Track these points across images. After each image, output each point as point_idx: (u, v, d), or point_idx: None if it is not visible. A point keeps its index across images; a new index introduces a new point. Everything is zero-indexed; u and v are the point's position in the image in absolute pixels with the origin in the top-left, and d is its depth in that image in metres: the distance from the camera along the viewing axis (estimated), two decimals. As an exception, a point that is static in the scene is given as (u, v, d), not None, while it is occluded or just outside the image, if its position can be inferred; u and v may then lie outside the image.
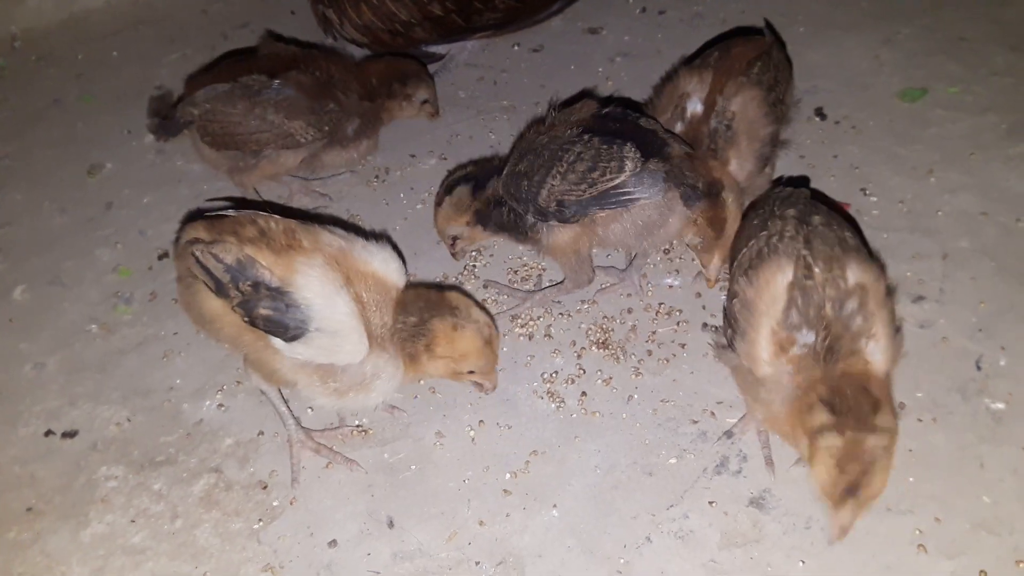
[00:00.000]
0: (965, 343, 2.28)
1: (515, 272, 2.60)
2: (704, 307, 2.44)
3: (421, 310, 2.02)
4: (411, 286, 2.10)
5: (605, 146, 2.15)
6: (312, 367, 1.97)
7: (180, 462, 2.20)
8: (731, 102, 2.29)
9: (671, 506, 2.03)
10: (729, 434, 2.14)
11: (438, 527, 2.03)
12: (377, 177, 2.94)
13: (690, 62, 2.54)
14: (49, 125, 3.28)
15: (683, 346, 2.35)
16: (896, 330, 1.86)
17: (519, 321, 2.45)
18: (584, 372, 2.32)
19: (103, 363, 2.44)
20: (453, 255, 2.53)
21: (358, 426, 2.24)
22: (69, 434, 2.27)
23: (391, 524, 2.04)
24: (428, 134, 3.06)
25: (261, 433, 2.24)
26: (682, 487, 2.06)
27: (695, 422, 2.19)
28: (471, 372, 2.08)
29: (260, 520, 2.07)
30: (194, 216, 2.14)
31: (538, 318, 2.46)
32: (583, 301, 2.48)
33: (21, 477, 2.19)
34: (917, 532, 1.93)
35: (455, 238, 2.46)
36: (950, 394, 2.18)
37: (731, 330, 1.97)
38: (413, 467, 2.15)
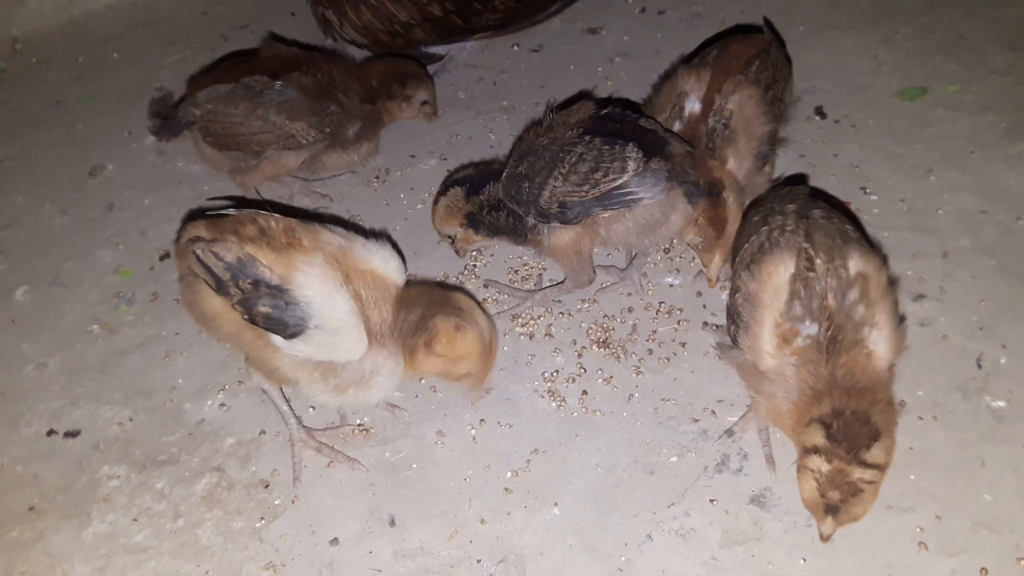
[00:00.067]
0: (966, 341, 2.29)
1: (515, 271, 2.60)
2: (705, 306, 2.45)
3: (425, 306, 2.02)
4: (417, 283, 2.11)
5: (607, 147, 2.15)
6: (312, 364, 1.97)
7: (182, 461, 2.20)
8: (728, 100, 2.29)
9: (672, 504, 2.03)
10: (730, 432, 2.15)
11: (439, 525, 2.03)
12: (377, 178, 2.94)
13: (689, 61, 2.55)
14: (50, 127, 3.28)
15: (684, 345, 2.36)
16: (900, 320, 1.87)
17: (520, 320, 2.45)
18: (585, 371, 2.32)
19: (105, 363, 2.45)
20: (456, 252, 2.53)
21: (359, 425, 2.24)
22: (71, 434, 2.28)
23: (393, 522, 2.04)
24: (428, 134, 3.06)
25: (263, 432, 2.25)
26: (683, 485, 2.07)
27: (696, 420, 2.19)
28: (465, 375, 2.08)
29: (262, 519, 2.07)
30: (195, 215, 2.15)
31: (539, 317, 2.46)
32: (584, 300, 2.49)
33: (24, 477, 2.19)
34: (918, 530, 1.93)
35: (452, 238, 2.47)
36: (951, 392, 2.18)
37: (734, 325, 1.98)
38: (414, 466, 2.15)
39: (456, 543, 2.00)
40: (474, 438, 2.20)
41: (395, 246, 2.13)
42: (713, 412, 2.20)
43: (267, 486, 2.14)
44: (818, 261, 1.85)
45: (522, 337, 2.42)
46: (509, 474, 2.12)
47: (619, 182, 2.14)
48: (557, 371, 2.32)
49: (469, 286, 2.56)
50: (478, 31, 3.28)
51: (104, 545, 2.05)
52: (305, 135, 2.63)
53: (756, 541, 1.96)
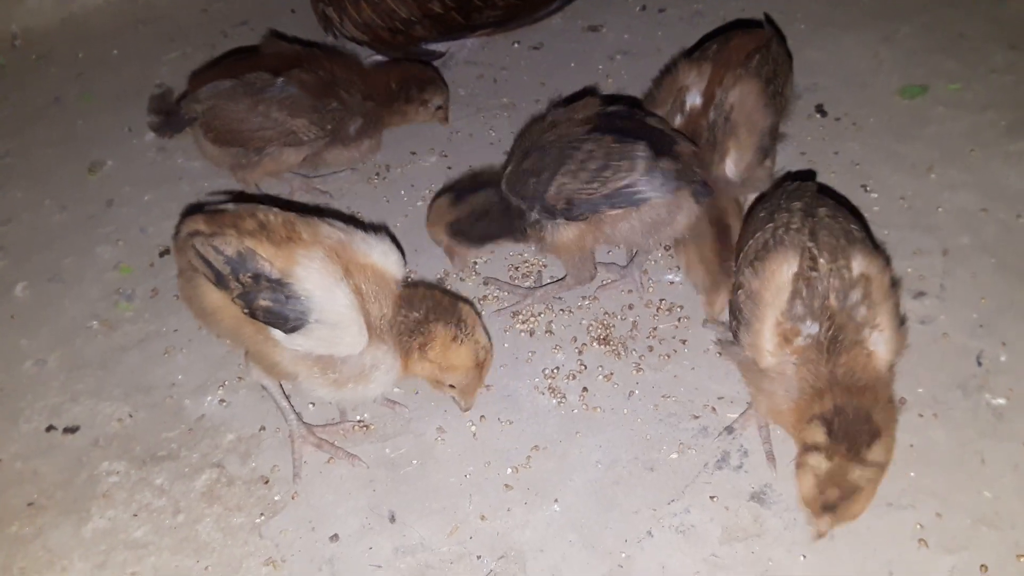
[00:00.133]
0: (966, 339, 2.29)
1: (516, 268, 2.60)
2: (705, 303, 2.45)
3: (428, 309, 2.02)
4: (425, 285, 2.11)
5: (617, 144, 2.14)
6: (312, 358, 1.97)
7: (182, 457, 2.20)
8: (729, 94, 2.29)
9: (672, 501, 2.03)
10: (730, 429, 2.15)
11: (440, 522, 2.03)
12: (378, 174, 2.94)
13: (689, 55, 2.55)
14: (49, 123, 3.28)
15: (684, 342, 2.36)
16: (901, 322, 1.87)
17: (520, 317, 2.45)
18: (585, 368, 2.32)
19: (104, 359, 2.45)
20: (452, 264, 2.53)
21: (359, 421, 2.24)
22: (71, 430, 2.28)
23: (393, 519, 2.04)
24: (428, 132, 3.06)
25: (263, 428, 2.24)
26: (683, 482, 2.07)
27: (696, 417, 2.19)
28: (452, 386, 2.08)
29: (262, 515, 2.07)
30: (194, 209, 2.14)
31: (539, 314, 2.46)
32: (584, 297, 2.49)
33: (23, 473, 2.19)
34: (918, 527, 1.94)
35: (445, 245, 2.46)
36: (951, 390, 2.18)
37: (736, 322, 1.98)
38: (414, 462, 2.15)
39: (456, 539, 2.00)
40: (474, 434, 2.20)
41: (395, 241, 2.13)
42: (713, 409, 2.20)
43: (267, 482, 2.13)
44: (821, 261, 1.84)
45: (522, 334, 2.42)
46: (509, 470, 2.12)
47: (628, 180, 2.13)
48: (557, 368, 2.32)
49: (469, 283, 2.56)
50: (478, 28, 3.28)
51: (104, 541, 2.05)
52: (306, 132, 2.63)
53: (756, 538, 1.96)
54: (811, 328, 1.82)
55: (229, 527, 2.06)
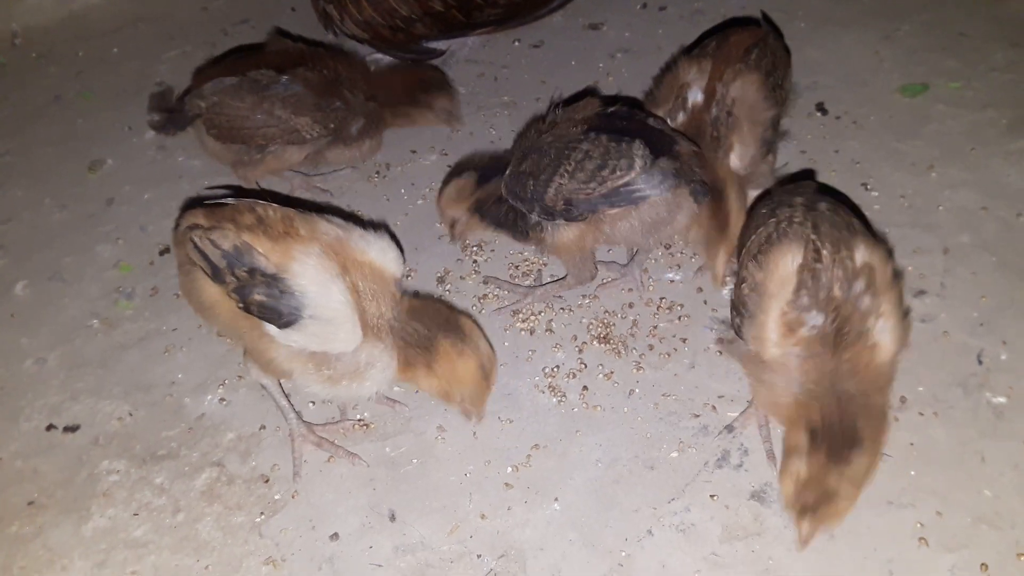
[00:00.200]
0: (966, 338, 2.29)
1: (516, 267, 2.60)
2: (706, 301, 2.45)
3: (432, 324, 2.01)
4: (427, 298, 2.11)
5: (614, 144, 2.14)
6: (306, 355, 1.97)
7: (182, 456, 2.20)
8: (731, 88, 2.29)
9: (672, 499, 2.03)
10: (730, 428, 2.15)
11: (440, 520, 2.03)
12: (378, 173, 2.94)
13: (688, 53, 2.55)
14: (49, 122, 3.27)
15: (684, 340, 2.36)
16: (904, 313, 1.87)
17: (520, 316, 2.45)
18: (585, 366, 2.32)
19: (104, 358, 2.44)
20: (451, 237, 2.52)
21: (359, 420, 2.24)
22: (71, 428, 2.28)
23: (393, 517, 2.04)
24: (428, 131, 3.05)
25: (263, 427, 2.24)
26: (683, 481, 2.07)
27: (696, 416, 2.19)
28: (459, 399, 2.07)
29: (262, 513, 2.07)
30: (194, 204, 2.14)
31: (539, 313, 2.46)
32: (584, 296, 2.49)
33: (23, 471, 2.19)
34: (918, 526, 1.94)
35: (454, 222, 2.46)
36: (951, 388, 2.18)
37: (739, 316, 1.98)
38: (415, 461, 2.15)
39: (456, 538, 2.00)
40: (474, 433, 2.20)
41: (394, 239, 2.13)
42: (713, 408, 2.20)
43: (267, 481, 2.13)
44: (825, 252, 1.85)
45: (523, 333, 2.42)
46: (509, 469, 2.12)
47: (626, 179, 2.13)
48: (558, 367, 2.32)
49: (469, 282, 2.56)
50: (479, 26, 3.28)
51: (104, 540, 2.05)
52: (309, 130, 2.63)
53: (756, 536, 1.96)
54: (816, 319, 1.82)
55: (229, 526, 2.06)
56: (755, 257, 1.94)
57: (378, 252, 2.03)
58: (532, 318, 2.44)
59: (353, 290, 1.95)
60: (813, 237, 1.87)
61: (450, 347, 1.99)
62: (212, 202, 2.07)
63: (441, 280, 2.56)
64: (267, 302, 1.89)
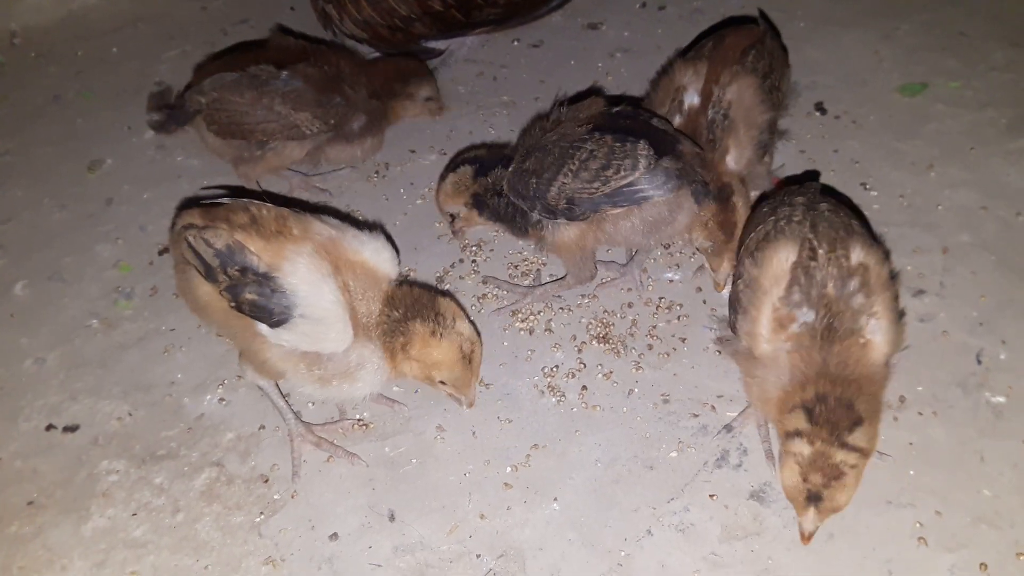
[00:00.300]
0: (965, 337, 2.29)
1: (515, 267, 2.60)
2: (705, 301, 2.44)
3: (407, 308, 2.01)
4: (406, 283, 2.10)
5: (618, 144, 2.14)
6: (298, 355, 1.97)
7: (181, 456, 2.20)
8: (727, 91, 2.30)
9: (672, 499, 2.03)
10: (729, 428, 2.15)
11: (439, 520, 2.03)
12: (377, 172, 2.94)
13: (685, 54, 2.55)
14: (49, 122, 3.27)
15: (683, 340, 2.36)
16: (900, 315, 1.87)
17: (519, 316, 2.45)
18: (585, 366, 2.32)
19: (104, 358, 2.44)
20: (452, 233, 2.52)
21: (359, 420, 2.24)
22: (70, 428, 2.28)
23: (392, 517, 2.04)
24: (428, 130, 3.05)
25: (262, 427, 2.24)
26: (683, 480, 2.06)
27: (695, 416, 2.19)
28: (443, 383, 2.07)
29: (261, 513, 2.07)
30: (191, 203, 2.14)
31: (538, 313, 2.46)
32: (583, 296, 2.48)
33: (22, 471, 2.19)
34: (918, 525, 1.94)
35: (453, 216, 2.46)
36: (950, 388, 2.18)
37: (734, 313, 1.98)
38: (414, 461, 2.15)
39: (456, 538, 2.00)
40: (474, 433, 2.20)
41: (390, 239, 2.13)
42: (713, 407, 2.20)
43: (266, 481, 2.13)
44: (820, 250, 1.85)
45: (522, 332, 2.42)
46: (509, 469, 2.11)
47: (629, 179, 2.13)
48: (557, 366, 2.32)
49: (469, 282, 2.56)
50: (478, 26, 3.28)
51: (103, 540, 2.05)
52: (309, 126, 2.63)
53: (756, 536, 1.96)
54: (807, 315, 1.83)
55: (228, 526, 2.06)
56: (752, 253, 1.96)
57: (372, 252, 2.03)
58: (531, 318, 2.44)
59: (344, 290, 1.96)
60: (810, 236, 1.88)
61: (425, 330, 1.98)
62: (208, 201, 2.07)
63: (440, 280, 2.56)
64: (258, 301, 1.89)
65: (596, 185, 2.14)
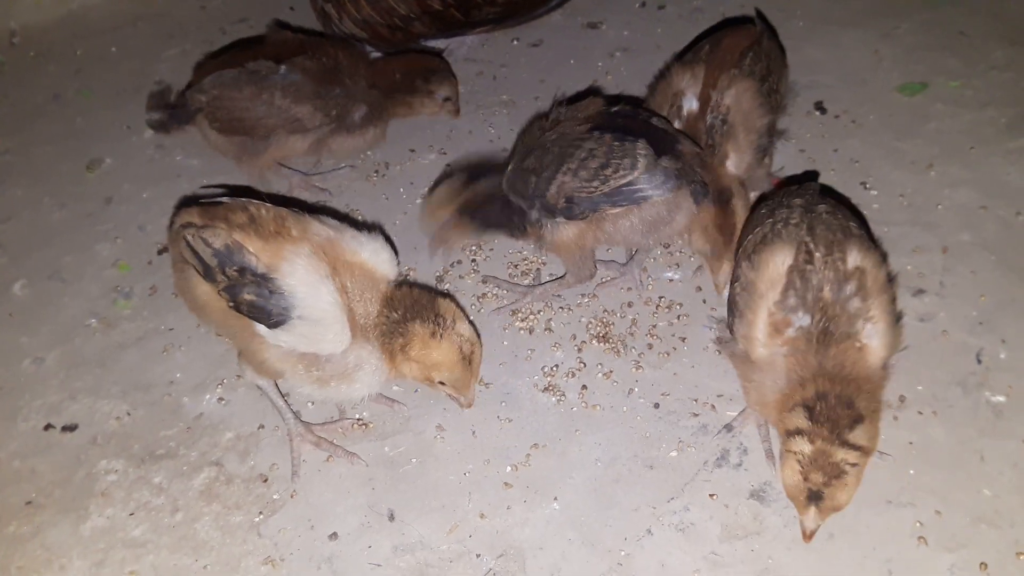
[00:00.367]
0: (965, 336, 2.29)
1: (515, 266, 2.60)
2: (704, 301, 2.44)
3: (406, 309, 2.00)
4: (405, 284, 2.10)
5: (617, 143, 2.14)
6: (296, 355, 1.97)
7: (180, 456, 2.20)
8: (725, 95, 2.29)
9: (672, 499, 2.03)
10: (729, 427, 2.15)
11: (439, 520, 2.03)
12: (377, 172, 2.94)
13: (682, 57, 2.54)
14: (48, 121, 3.27)
15: (683, 340, 2.35)
16: (897, 318, 1.87)
17: (519, 315, 2.45)
18: (584, 366, 2.31)
19: (103, 357, 2.44)
20: (433, 247, 2.48)
21: (358, 420, 2.24)
22: (69, 428, 2.27)
23: (392, 517, 2.04)
24: (427, 129, 3.05)
25: (261, 427, 2.24)
26: (683, 480, 2.06)
27: (696, 415, 2.19)
28: (443, 384, 2.06)
29: (261, 513, 2.07)
30: (190, 202, 2.14)
31: (538, 312, 2.45)
32: (583, 295, 2.48)
33: (21, 471, 2.19)
34: (918, 525, 1.93)
35: (439, 227, 2.45)
36: (950, 387, 2.18)
37: (732, 315, 1.98)
38: (414, 460, 2.15)
39: (455, 537, 2.00)
40: (474, 433, 2.19)
41: (389, 239, 2.13)
42: (713, 407, 2.20)
43: (266, 480, 2.13)
44: (817, 254, 1.85)
45: (521, 332, 2.41)
46: (509, 468, 2.11)
47: (629, 179, 2.13)
48: (557, 366, 2.32)
49: (468, 281, 2.56)
50: (478, 25, 3.28)
51: (102, 539, 2.05)
52: (311, 119, 2.63)
53: (756, 536, 1.96)
54: (803, 320, 1.83)
55: (228, 526, 2.05)
56: (749, 256, 1.95)
57: (370, 253, 2.03)
58: (531, 317, 2.44)
59: (343, 291, 1.95)
60: (807, 239, 1.88)
61: (424, 331, 1.97)
62: (207, 201, 2.06)
63: (440, 279, 2.56)
64: (256, 302, 1.89)
65: (595, 184, 2.14)
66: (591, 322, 2.42)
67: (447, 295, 2.18)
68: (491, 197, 2.32)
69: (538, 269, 2.58)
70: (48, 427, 2.28)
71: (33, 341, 2.50)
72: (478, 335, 2.08)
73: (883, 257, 1.95)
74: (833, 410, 1.74)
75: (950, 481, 2.00)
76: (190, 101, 2.67)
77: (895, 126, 2.89)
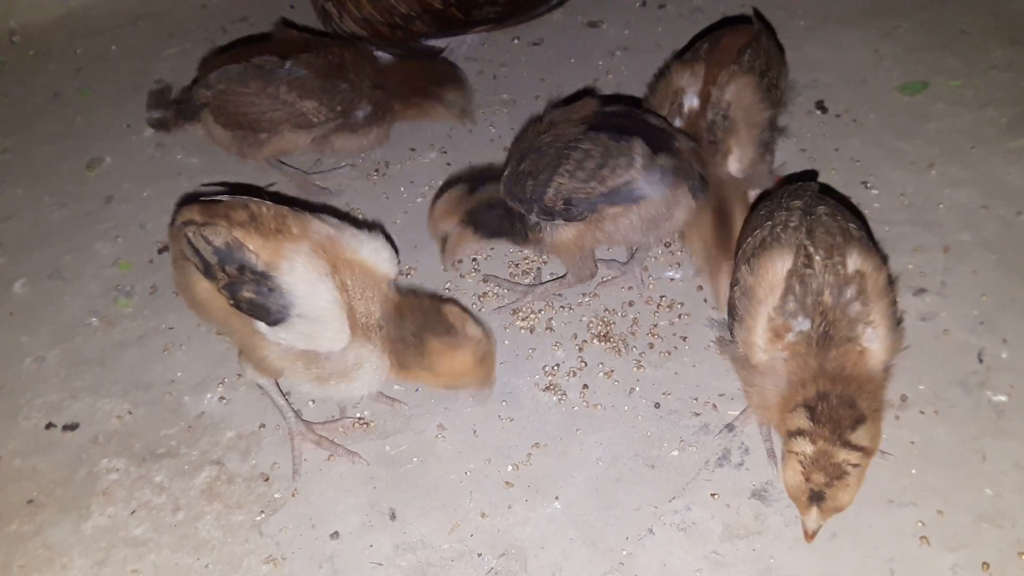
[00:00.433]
0: (967, 336, 2.28)
1: (516, 265, 2.59)
2: (706, 300, 2.44)
3: (420, 325, 2.00)
4: (410, 293, 2.10)
5: (613, 142, 2.13)
6: (296, 353, 1.97)
7: (182, 455, 2.19)
8: (725, 91, 2.29)
9: (673, 498, 2.03)
10: (731, 427, 2.15)
11: (440, 519, 2.03)
12: (377, 171, 2.93)
13: (681, 55, 2.54)
14: (48, 119, 3.27)
15: (684, 339, 2.35)
16: (898, 321, 1.86)
17: (520, 314, 2.45)
18: (586, 365, 2.31)
19: (104, 356, 2.44)
20: (442, 257, 2.49)
21: (359, 418, 2.24)
22: (70, 427, 2.27)
23: (393, 516, 2.04)
24: (428, 128, 3.05)
25: (263, 426, 2.24)
26: (684, 479, 2.06)
27: (697, 415, 2.19)
28: (467, 384, 2.08)
29: (262, 512, 2.07)
30: (190, 199, 2.14)
31: (539, 311, 2.45)
32: (584, 294, 2.48)
33: (22, 470, 2.19)
34: (919, 524, 1.93)
35: (445, 238, 2.45)
36: (952, 387, 2.18)
37: (731, 319, 1.98)
38: (415, 459, 2.15)
39: (457, 537, 2.00)
40: (475, 432, 2.19)
41: (390, 239, 2.12)
42: (714, 406, 2.20)
43: (267, 479, 2.13)
44: (816, 258, 1.84)
45: (522, 331, 2.41)
46: (510, 468, 2.11)
47: (626, 178, 2.12)
48: (558, 365, 2.32)
49: (469, 280, 2.55)
50: (478, 24, 3.28)
51: (103, 538, 2.05)
52: (316, 114, 2.63)
53: (758, 535, 1.96)
54: (803, 324, 1.82)
55: (229, 525, 2.05)
56: (748, 260, 1.95)
57: (371, 252, 2.03)
58: (532, 316, 2.44)
59: (342, 289, 1.95)
60: (806, 243, 1.87)
61: (442, 345, 1.98)
62: (208, 198, 2.07)
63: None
64: (256, 299, 1.90)
65: (593, 184, 2.14)
66: (592, 321, 2.41)
67: (451, 299, 2.18)
68: (493, 204, 2.32)
69: (539, 268, 2.58)
70: (49, 426, 2.28)
71: (34, 340, 2.50)
72: (487, 329, 2.09)
73: (884, 259, 1.94)
74: (835, 410, 1.73)
75: (952, 480, 2.00)
76: (195, 96, 2.67)
77: (896, 125, 2.89)
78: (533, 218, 2.25)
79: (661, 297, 2.46)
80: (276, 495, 2.10)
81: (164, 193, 2.90)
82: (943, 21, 3.28)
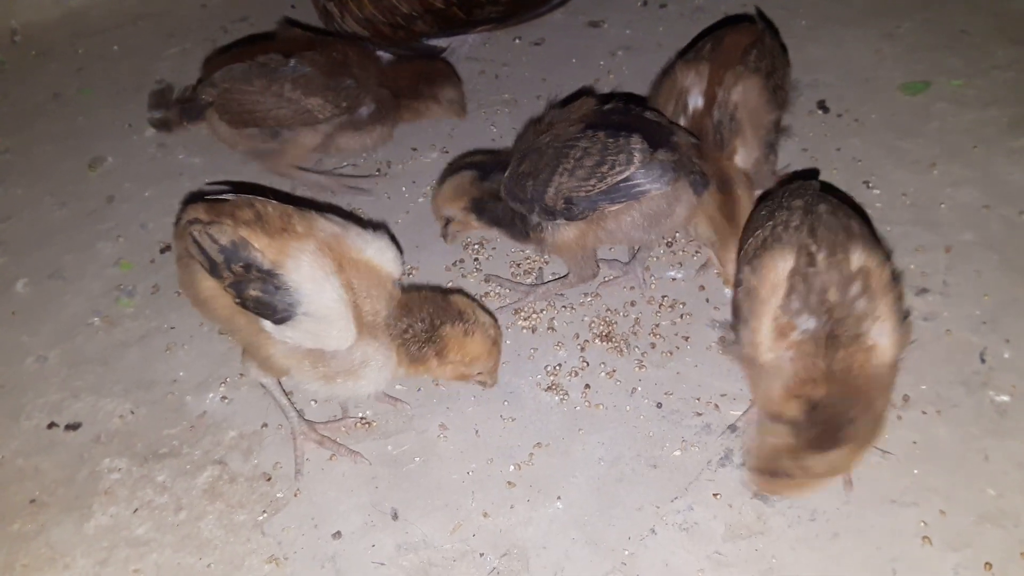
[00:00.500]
0: (969, 336, 2.28)
1: (518, 265, 2.59)
2: (708, 300, 2.44)
3: (431, 316, 2.03)
4: (415, 289, 2.11)
5: (612, 139, 2.13)
6: (302, 352, 1.97)
7: (184, 454, 2.19)
8: (732, 92, 2.29)
9: (675, 498, 2.03)
10: (733, 427, 2.14)
11: (442, 519, 2.03)
12: (379, 171, 2.93)
13: (683, 55, 2.54)
14: (49, 119, 3.27)
15: (686, 339, 2.35)
16: (904, 316, 1.86)
17: (522, 314, 2.45)
18: (588, 365, 2.31)
19: (105, 356, 2.44)
20: (443, 236, 2.52)
21: (362, 418, 2.24)
22: (72, 426, 2.27)
23: (395, 516, 2.04)
24: (430, 128, 3.05)
25: (265, 425, 2.24)
26: (686, 479, 2.06)
27: (699, 415, 2.19)
28: (478, 373, 2.11)
29: (264, 512, 2.07)
30: (196, 198, 2.14)
31: (541, 311, 2.45)
32: (586, 294, 2.48)
33: (24, 469, 2.19)
34: (922, 524, 1.93)
35: (448, 220, 2.45)
36: (954, 387, 2.18)
37: (736, 320, 1.98)
38: (417, 459, 2.15)
39: (459, 536, 2.00)
40: (477, 432, 2.19)
41: (394, 238, 2.12)
42: (716, 406, 2.20)
43: (269, 479, 2.13)
44: (820, 256, 1.84)
45: (524, 331, 2.41)
46: (512, 468, 2.11)
47: (625, 174, 2.12)
48: (560, 365, 2.32)
49: (471, 280, 2.55)
50: (480, 24, 3.28)
51: (106, 538, 2.04)
52: (322, 110, 2.63)
53: (760, 535, 1.95)
54: (808, 323, 1.82)
55: (231, 524, 2.05)
56: (750, 261, 1.95)
57: (376, 251, 2.03)
58: (534, 316, 2.44)
59: (348, 288, 1.96)
60: (808, 241, 1.87)
61: (456, 331, 2.02)
62: (213, 197, 2.07)
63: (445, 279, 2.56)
64: (262, 298, 1.89)
65: (592, 182, 2.13)
66: (594, 321, 2.41)
67: (456, 290, 2.19)
68: (499, 196, 2.32)
69: (541, 268, 2.58)
70: (51, 425, 2.28)
71: (35, 340, 2.49)
72: (491, 314, 2.12)
73: (887, 255, 1.94)
74: (828, 424, 1.76)
75: (954, 480, 2.00)
76: (200, 96, 2.67)
77: (897, 125, 2.89)
78: (534, 218, 2.25)
79: (663, 297, 2.45)
80: (278, 495, 2.10)
81: (166, 193, 2.90)
82: (945, 21, 3.28)
